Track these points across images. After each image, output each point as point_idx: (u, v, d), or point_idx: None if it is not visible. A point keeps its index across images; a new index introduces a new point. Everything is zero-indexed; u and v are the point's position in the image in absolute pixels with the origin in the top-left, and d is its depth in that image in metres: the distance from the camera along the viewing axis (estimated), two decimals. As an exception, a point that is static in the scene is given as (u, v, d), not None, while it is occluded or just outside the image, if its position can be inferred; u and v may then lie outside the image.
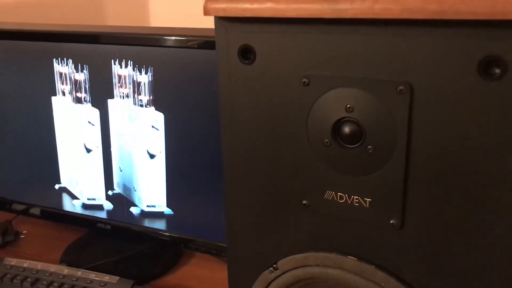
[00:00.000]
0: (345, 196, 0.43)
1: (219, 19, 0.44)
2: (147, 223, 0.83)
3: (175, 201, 0.80)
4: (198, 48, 0.72)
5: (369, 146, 0.40)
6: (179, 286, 0.82)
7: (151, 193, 0.81)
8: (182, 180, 0.79)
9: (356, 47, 0.39)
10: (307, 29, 0.41)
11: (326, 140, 0.42)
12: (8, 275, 0.79)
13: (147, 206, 0.83)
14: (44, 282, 0.77)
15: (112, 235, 0.89)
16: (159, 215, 0.82)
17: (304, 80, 0.42)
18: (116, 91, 0.79)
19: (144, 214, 0.83)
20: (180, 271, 0.86)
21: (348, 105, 0.40)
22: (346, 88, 0.40)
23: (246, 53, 0.44)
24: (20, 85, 0.86)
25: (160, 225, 0.83)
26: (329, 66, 0.40)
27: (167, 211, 0.82)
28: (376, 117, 0.39)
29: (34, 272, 0.79)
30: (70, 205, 0.89)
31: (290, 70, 0.42)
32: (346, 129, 0.41)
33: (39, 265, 0.81)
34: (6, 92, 0.87)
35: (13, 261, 0.82)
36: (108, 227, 0.87)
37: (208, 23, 0.84)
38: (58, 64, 0.82)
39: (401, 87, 0.38)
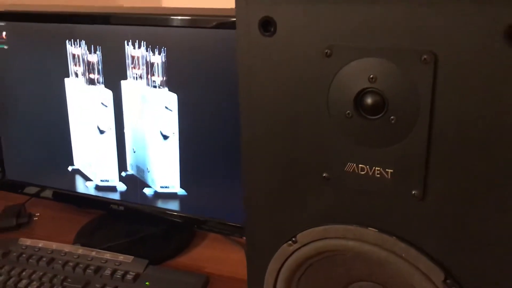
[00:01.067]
0: (367, 168, 0.43)
1: (239, -8, 0.44)
2: (160, 204, 0.84)
3: (188, 182, 0.81)
4: (211, 28, 0.72)
5: (391, 117, 0.40)
6: (192, 266, 0.82)
7: (164, 174, 0.82)
8: (195, 161, 0.79)
9: (379, 16, 0.39)
10: (329, -1, 0.40)
11: (348, 111, 0.42)
12: (24, 255, 0.79)
13: (161, 187, 0.83)
14: (60, 262, 0.78)
15: (125, 216, 0.89)
16: (172, 196, 0.83)
17: (326, 51, 0.41)
18: (129, 72, 0.79)
19: (157, 195, 0.84)
20: (193, 252, 0.87)
21: (371, 75, 0.40)
22: (369, 58, 0.40)
23: (267, 25, 0.44)
24: (33, 67, 0.86)
25: (174, 206, 0.83)
26: (352, 37, 0.40)
27: (181, 192, 0.82)
28: (399, 87, 0.39)
29: (49, 252, 0.80)
30: (83, 187, 0.89)
31: (312, 41, 0.42)
32: (369, 100, 0.41)
33: (54, 245, 0.82)
34: (19, 74, 0.87)
35: (28, 241, 0.83)
36: (122, 208, 0.87)
37: (220, 2, 0.85)
38: (71, 45, 0.82)
39: (425, 56, 0.38)
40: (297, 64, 0.43)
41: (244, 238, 0.83)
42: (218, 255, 0.85)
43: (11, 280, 0.75)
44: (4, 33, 0.86)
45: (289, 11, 0.43)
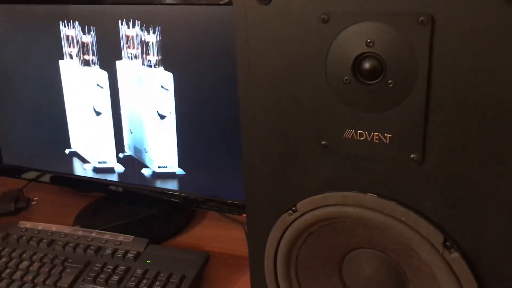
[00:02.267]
0: (365, 133, 0.43)
1: (234, -40, 0.44)
2: (159, 184, 0.84)
3: (186, 161, 0.81)
4: (206, 5, 0.71)
5: (389, 81, 0.40)
6: (192, 245, 0.83)
7: (162, 154, 0.82)
8: (193, 140, 0.79)
9: (375, -20, 0.39)
10: (325, -35, 0.40)
11: (346, 77, 0.42)
12: (24, 237, 0.80)
13: (159, 167, 0.83)
14: (60, 243, 0.78)
15: (124, 197, 0.89)
16: (171, 175, 0.83)
17: (323, 16, 0.41)
18: (124, 52, 0.79)
19: (155, 175, 0.84)
20: (193, 231, 0.87)
21: (369, 40, 0.40)
22: (365, 22, 0.40)
23: (263, -7, 0.44)
24: (26, 50, 0.85)
25: (172, 185, 0.83)
26: (348, 1, 0.40)
27: (179, 171, 0.82)
28: (397, 51, 0.39)
29: (49, 234, 0.80)
30: (81, 170, 0.89)
31: (308, 7, 0.42)
32: (367, 65, 0.41)
33: (54, 227, 0.82)
34: (13, 57, 0.87)
35: (28, 224, 0.83)
36: (120, 189, 0.88)
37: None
38: (65, 27, 0.81)
39: (422, 18, 0.38)
40: (294, 31, 0.43)
41: (244, 216, 0.84)
42: (218, 234, 0.86)
43: (12, 261, 0.75)
44: (-4, 16, 0.85)
45: (285, -22, 0.42)
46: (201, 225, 0.89)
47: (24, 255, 0.76)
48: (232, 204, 0.80)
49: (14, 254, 0.77)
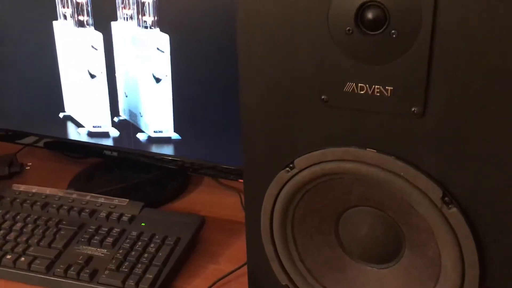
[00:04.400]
0: (366, 86, 0.42)
1: None
2: (154, 149, 0.83)
3: (182, 126, 0.80)
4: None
5: (393, 31, 0.40)
6: (187, 210, 0.83)
7: (158, 118, 0.81)
8: (189, 104, 0.78)
9: None
10: None
11: (348, 28, 0.41)
12: (17, 200, 0.79)
13: (154, 131, 0.82)
14: (54, 206, 0.77)
15: (119, 162, 0.89)
16: (166, 140, 0.82)
17: (326, -36, 0.40)
18: (119, 13, 0.77)
19: (151, 140, 0.83)
20: (188, 197, 0.87)
21: (372, -12, 0.39)
22: (370, -30, 0.39)
23: None
24: (18, 10, 0.83)
25: (168, 150, 0.82)
26: None
27: (175, 136, 0.81)
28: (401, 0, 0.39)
29: (43, 196, 0.80)
30: (75, 134, 0.88)
31: (311, -45, 0.41)
32: (370, 14, 0.40)
33: (48, 191, 0.82)
34: (5, 18, 0.84)
35: (21, 187, 0.83)
36: (115, 154, 0.87)
37: None
38: (58, -14, 0.79)
39: (428, -35, 0.37)
40: (296, -20, 0.42)
41: (240, 181, 0.83)
42: (213, 199, 0.86)
43: (6, 223, 0.74)
44: (-13, -26, 0.83)
45: None
46: (196, 191, 0.89)
47: (18, 217, 0.76)
48: (228, 170, 0.80)
49: (7, 216, 0.76)
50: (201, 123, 0.78)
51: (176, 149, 0.82)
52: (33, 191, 0.82)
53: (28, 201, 0.79)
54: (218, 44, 0.73)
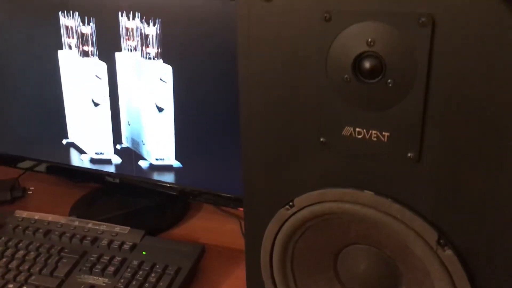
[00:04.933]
0: (363, 131, 0.44)
1: (238, -44, 0.44)
2: (155, 176, 0.84)
3: (184, 154, 0.81)
4: (207, -1, 0.71)
5: (389, 80, 0.41)
6: (187, 237, 0.83)
7: (159, 147, 0.82)
8: (191, 133, 0.79)
9: (378, -20, 0.39)
10: (329, -37, 0.41)
11: (346, 76, 0.43)
12: (20, 227, 0.80)
13: (156, 159, 0.84)
14: (56, 233, 0.78)
15: (120, 189, 0.90)
16: (167, 168, 0.83)
17: (325, 15, 0.42)
18: (123, 44, 0.79)
19: (152, 167, 0.84)
20: (188, 224, 0.88)
21: (369, 39, 0.41)
22: (367, 22, 0.41)
23: (266, -10, 0.44)
24: (26, 39, 0.85)
25: (169, 178, 0.84)
26: (350, 1, 0.41)
27: (176, 164, 0.82)
28: (397, 50, 0.40)
29: (45, 223, 0.81)
30: (78, 160, 0.89)
31: (311, 6, 0.43)
32: (367, 64, 0.41)
33: (50, 217, 0.82)
34: (12, 46, 0.86)
35: (24, 214, 0.83)
36: (117, 181, 0.88)
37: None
38: (64, 17, 0.81)
39: (422, 19, 0.38)
40: (296, 28, 0.44)
41: (240, 209, 0.85)
42: (213, 226, 0.87)
43: (8, 251, 0.75)
44: (-5, 5, 0.85)
45: (288, -24, 0.43)
46: (196, 218, 0.90)
47: (20, 244, 0.76)
48: (228, 198, 0.81)
49: (10, 243, 0.77)
50: (202, 152, 0.80)
51: (177, 176, 0.83)
52: (36, 217, 0.82)
53: (30, 228, 0.79)
54: (219, 76, 0.74)
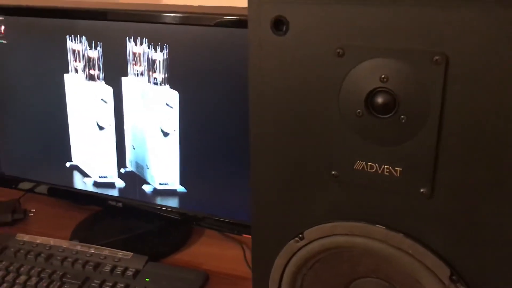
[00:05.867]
0: (376, 165, 0.44)
1: (252, -10, 0.45)
2: (159, 201, 0.84)
3: (188, 179, 0.81)
4: (214, 26, 0.72)
5: (402, 116, 0.41)
6: (190, 263, 0.83)
7: (164, 171, 0.82)
8: (195, 158, 0.79)
9: (392, 17, 0.40)
10: (343, 0, 0.41)
11: (359, 110, 0.43)
12: (21, 251, 0.79)
13: (160, 184, 0.83)
14: (58, 258, 0.77)
15: (122, 213, 0.89)
16: (171, 193, 0.83)
17: (338, 51, 0.42)
18: (130, 69, 0.79)
19: (156, 192, 0.84)
20: (191, 249, 0.87)
21: (383, 75, 0.41)
22: (381, 58, 0.41)
23: (279, 24, 0.45)
24: (32, 62, 0.85)
25: (173, 203, 0.83)
26: (364, 37, 0.41)
27: (180, 189, 0.82)
28: (411, 87, 0.40)
29: (47, 248, 0.80)
30: (81, 183, 0.89)
31: (324, 41, 0.43)
32: (380, 99, 0.42)
33: (52, 241, 0.82)
34: (18, 69, 0.87)
35: (26, 237, 0.83)
36: (120, 205, 0.87)
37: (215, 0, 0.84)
38: (71, 41, 0.82)
39: (436, 57, 0.39)
40: (309, 63, 0.44)
41: (243, 236, 0.84)
42: (216, 252, 0.86)
43: (10, 275, 0.74)
44: (2, 28, 0.85)
45: (302, 11, 0.43)
46: (199, 243, 0.89)
47: (22, 269, 0.76)
48: (233, 224, 0.80)
49: (11, 268, 0.76)
50: (207, 177, 0.79)
51: (181, 201, 0.83)
52: (37, 241, 0.82)
53: (32, 252, 0.79)
54: (226, 103, 0.74)
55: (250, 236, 0.81)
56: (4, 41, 0.86)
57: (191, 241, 0.89)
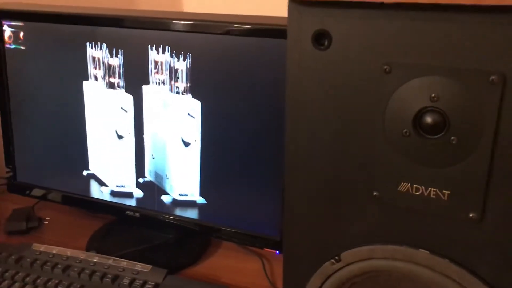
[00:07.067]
0: (422, 188, 0.42)
1: (293, 2, 0.43)
2: (178, 212, 0.82)
3: (208, 191, 0.79)
4: (239, 35, 0.70)
5: (452, 137, 0.39)
6: (209, 275, 0.81)
7: (184, 182, 0.80)
8: (216, 169, 0.77)
9: (444, 34, 0.38)
10: (390, 15, 0.39)
11: (405, 130, 0.41)
12: (38, 261, 0.77)
13: (179, 194, 0.81)
14: (76, 269, 0.76)
15: (139, 223, 0.87)
16: (191, 204, 0.81)
17: (385, 67, 0.40)
18: (151, 78, 0.78)
19: (175, 202, 0.82)
20: (209, 261, 0.85)
21: (433, 95, 0.39)
22: (431, 76, 0.39)
23: (321, 39, 0.43)
24: (50, 69, 0.84)
25: (192, 214, 0.81)
26: (413, 54, 0.39)
27: (200, 200, 0.80)
28: (463, 108, 0.38)
29: (64, 258, 0.78)
30: (98, 192, 0.87)
31: (369, 57, 0.41)
32: (429, 119, 0.40)
33: (69, 252, 0.80)
34: (36, 75, 0.85)
35: (42, 247, 0.81)
36: (137, 215, 0.86)
37: (239, 8, 0.83)
38: (92, 48, 0.80)
39: (493, 77, 0.37)
40: (352, 79, 0.42)
41: (266, 249, 0.82)
42: (235, 265, 0.84)
43: (26, 287, 0.73)
44: (21, 34, 0.84)
45: (346, 25, 0.41)
46: (217, 255, 0.87)
47: (38, 280, 0.74)
48: (253, 237, 0.78)
49: (28, 279, 0.74)
50: (228, 189, 0.78)
51: (200, 213, 0.81)
52: (54, 252, 0.80)
53: (48, 263, 0.77)
54: (249, 113, 0.73)
55: (271, 250, 0.79)
56: (23, 47, 0.85)
57: (208, 253, 0.87)
